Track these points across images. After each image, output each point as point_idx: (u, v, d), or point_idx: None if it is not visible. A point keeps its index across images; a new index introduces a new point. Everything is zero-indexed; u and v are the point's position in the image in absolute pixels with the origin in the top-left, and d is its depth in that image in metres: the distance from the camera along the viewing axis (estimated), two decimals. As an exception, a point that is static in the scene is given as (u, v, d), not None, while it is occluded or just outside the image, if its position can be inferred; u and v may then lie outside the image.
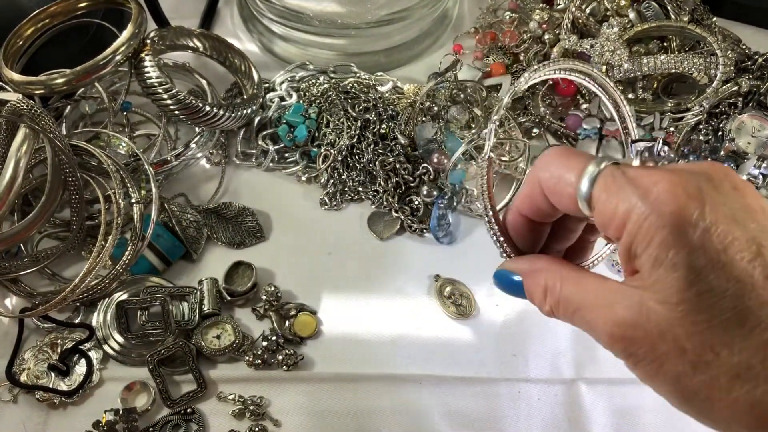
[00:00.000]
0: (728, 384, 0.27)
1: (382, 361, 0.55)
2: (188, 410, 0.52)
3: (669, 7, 0.69)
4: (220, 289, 0.56)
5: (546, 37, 0.71)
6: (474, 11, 0.79)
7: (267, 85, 0.69)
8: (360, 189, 0.64)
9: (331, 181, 0.64)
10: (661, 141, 0.31)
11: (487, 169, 0.36)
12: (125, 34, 0.60)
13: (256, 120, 0.66)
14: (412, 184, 0.63)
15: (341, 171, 0.64)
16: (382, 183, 0.62)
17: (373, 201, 0.63)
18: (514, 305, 0.57)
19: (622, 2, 0.69)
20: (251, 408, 0.52)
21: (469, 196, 0.63)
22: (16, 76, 0.59)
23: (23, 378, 0.52)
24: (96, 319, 0.55)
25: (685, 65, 0.65)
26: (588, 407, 0.53)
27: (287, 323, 0.56)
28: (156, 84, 0.59)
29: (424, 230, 0.61)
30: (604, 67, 0.66)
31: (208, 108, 0.60)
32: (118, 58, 0.59)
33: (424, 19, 0.72)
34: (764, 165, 0.61)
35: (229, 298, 0.56)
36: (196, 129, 0.64)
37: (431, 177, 0.62)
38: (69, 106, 0.65)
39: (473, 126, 0.65)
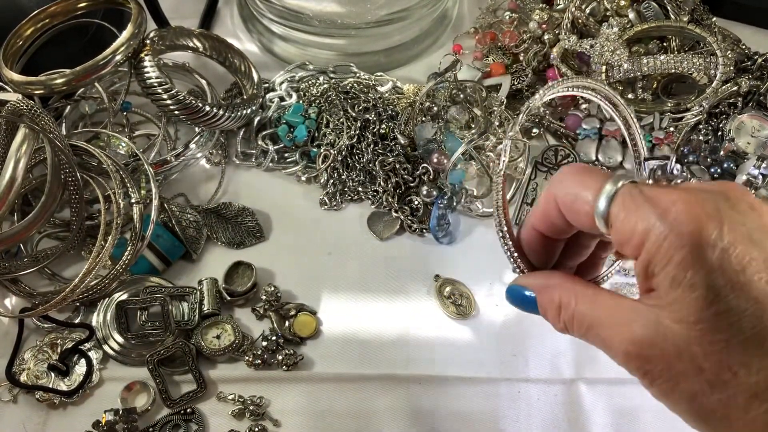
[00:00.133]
0: (746, 403, 0.27)
1: (382, 361, 0.55)
2: (188, 410, 0.52)
3: (669, 7, 0.69)
4: (219, 289, 0.56)
5: (546, 37, 0.71)
6: (474, 11, 0.79)
7: (267, 85, 0.69)
8: (360, 189, 0.64)
9: (331, 181, 0.64)
10: (673, 159, 0.31)
11: (501, 185, 0.37)
12: (125, 34, 0.60)
13: (256, 120, 0.66)
14: (411, 184, 0.63)
15: (341, 171, 0.64)
16: (381, 183, 0.63)
17: (372, 201, 0.63)
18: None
19: (621, 2, 0.69)
20: (251, 408, 0.52)
21: (468, 196, 0.63)
22: (16, 76, 0.59)
23: (23, 378, 0.52)
24: (96, 319, 0.55)
25: (684, 65, 0.65)
26: (588, 407, 0.53)
27: (287, 323, 0.56)
28: (156, 84, 0.59)
29: (424, 230, 0.61)
30: (604, 67, 0.66)
31: (207, 108, 0.60)
32: (117, 58, 0.59)
33: (423, 19, 0.72)
34: (764, 165, 0.61)
35: (228, 298, 0.56)
36: (196, 129, 0.64)
37: (431, 177, 0.62)
38: (69, 106, 0.65)
39: (473, 126, 0.65)
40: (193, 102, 0.60)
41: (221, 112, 0.61)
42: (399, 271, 0.60)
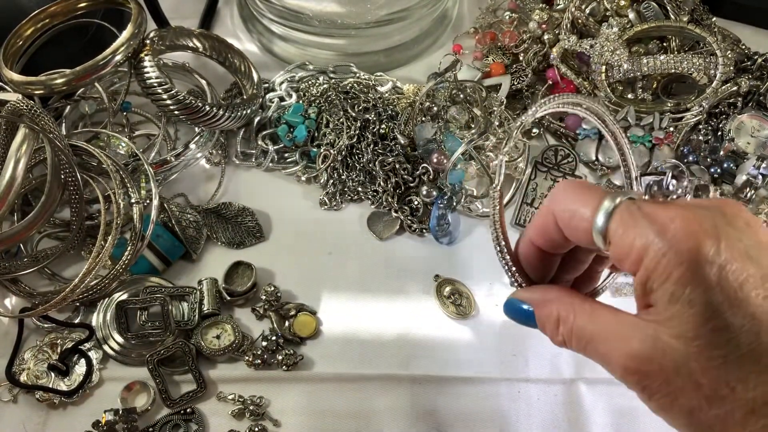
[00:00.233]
0: (743, 419, 0.27)
1: (382, 361, 0.55)
2: (188, 410, 0.52)
3: (668, 7, 0.69)
4: (219, 289, 0.56)
5: (546, 37, 0.71)
6: (474, 11, 0.79)
7: (267, 85, 0.69)
8: (360, 189, 0.64)
9: (331, 181, 0.64)
10: (669, 175, 0.31)
11: (498, 200, 0.37)
12: (125, 34, 0.60)
13: (256, 120, 0.66)
14: (411, 184, 0.63)
15: (341, 171, 0.64)
16: (381, 183, 0.63)
17: (372, 201, 0.63)
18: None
19: (621, 2, 0.69)
20: (251, 408, 0.52)
21: (468, 196, 0.63)
22: (16, 76, 0.59)
23: (23, 378, 0.52)
24: (96, 319, 0.55)
25: (684, 65, 0.65)
26: (588, 407, 0.53)
27: (287, 323, 0.56)
28: (156, 84, 0.59)
29: (424, 230, 0.61)
30: (604, 67, 0.66)
31: (207, 108, 0.60)
32: (117, 58, 0.59)
33: (423, 19, 0.72)
34: (764, 165, 0.61)
35: (228, 298, 0.56)
36: (196, 129, 0.64)
37: (431, 177, 0.62)
38: (69, 106, 0.65)
39: (473, 126, 0.65)
40: (193, 102, 0.60)
41: (221, 112, 0.61)
42: (399, 271, 0.60)
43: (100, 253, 0.54)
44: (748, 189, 0.61)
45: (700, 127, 0.66)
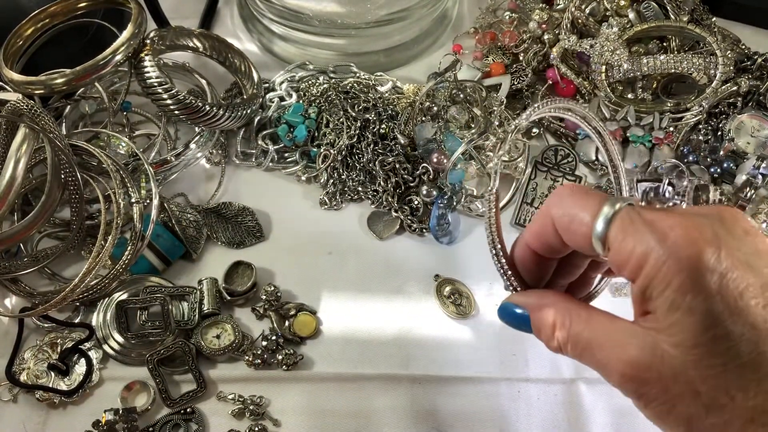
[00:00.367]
0: (742, 428, 0.27)
1: (382, 361, 0.55)
2: (188, 410, 0.52)
3: (668, 7, 0.69)
4: (219, 288, 0.56)
5: (545, 37, 0.71)
6: (474, 11, 0.79)
7: (267, 85, 0.69)
8: (360, 189, 0.64)
9: (331, 181, 0.64)
10: (666, 182, 0.31)
11: (494, 204, 0.37)
12: (125, 34, 0.60)
13: (256, 120, 0.66)
14: (411, 184, 0.63)
15: (341, 171, 0.64)
16: (381, 183, 0.63)
17: (372, 201, 0.63)
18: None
19: (621, 2, 0.69)
20: (251, 408, 0.52)
21: (468, 196, 0.63)
22: (16, 76, 0.59)
23: (23, 377, 0.52)
24: (96, 319, 0.55)
25: (684, 65, 0.65)
26: (588, 407, 0.53)
27: (287, 323, 0.56)
28: (156, 84, 0.59)
29: (424, 230, 0.61)
30: (604, 67, 0.66)
31: (208, 108, 0.60)
32: (118, 58, 0.59)
33: (423, 19, 0.72)
34: (764, 165, 0.61)
35: (228, 297, 0.56)
36: (196, 129, 0.64)
37: (431, 177, 0.62)
38: (69, 106, 0.66)
39: (473, 126, 0.65)
40: (193, 102, 0.60)
41: (221, 112, 0.61)
42: (399, 271, 0.60)
43: (100, 252, 0.54)
44: (748, 189, 0.61)
45: (700, 126, 0.66)
